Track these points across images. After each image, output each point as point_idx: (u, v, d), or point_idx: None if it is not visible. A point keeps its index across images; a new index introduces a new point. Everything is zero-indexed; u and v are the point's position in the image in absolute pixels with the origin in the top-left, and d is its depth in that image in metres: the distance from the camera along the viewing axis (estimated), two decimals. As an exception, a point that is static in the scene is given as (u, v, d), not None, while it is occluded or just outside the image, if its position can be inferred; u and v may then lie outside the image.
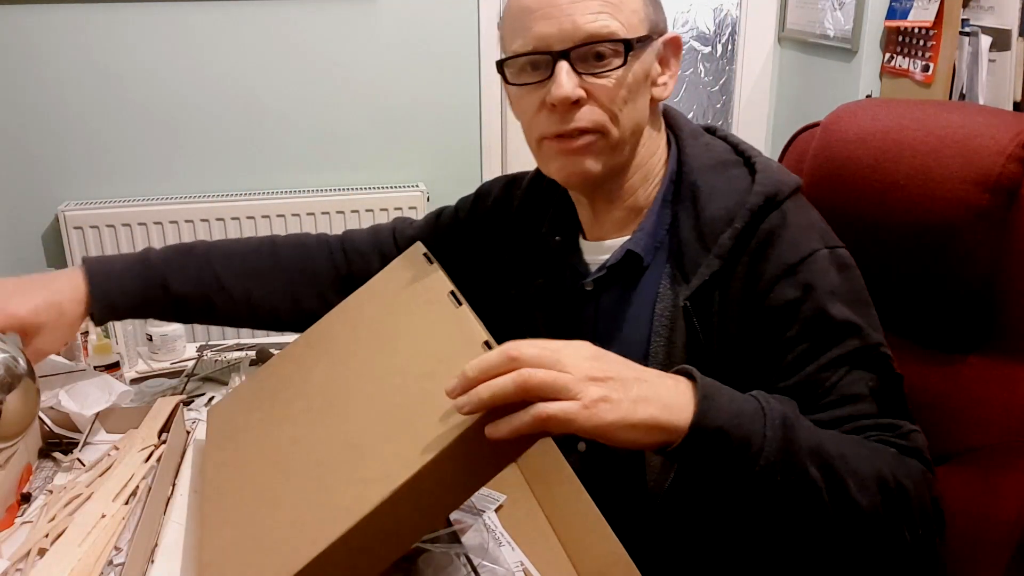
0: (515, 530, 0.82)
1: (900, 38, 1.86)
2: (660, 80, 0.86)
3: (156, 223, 2.06)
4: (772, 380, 0.76)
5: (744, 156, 0.86)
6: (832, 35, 2.03)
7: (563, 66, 0.78)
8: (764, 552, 0.79)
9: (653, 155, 0.88)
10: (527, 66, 0.82)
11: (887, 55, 1.92)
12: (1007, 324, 0.82)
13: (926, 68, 1.77)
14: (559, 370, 0.60)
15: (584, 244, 0.92)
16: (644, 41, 0.82)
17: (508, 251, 0.98)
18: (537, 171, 0.96)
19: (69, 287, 0.93)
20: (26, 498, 0.82)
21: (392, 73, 2.17)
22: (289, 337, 1.29)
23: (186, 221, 2.08)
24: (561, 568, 0.78)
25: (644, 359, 0.82)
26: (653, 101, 0.85)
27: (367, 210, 2.15)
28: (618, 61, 0.79)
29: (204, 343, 1.25)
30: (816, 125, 1.02)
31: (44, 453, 0.91)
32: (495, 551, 0.80)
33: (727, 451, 0.64)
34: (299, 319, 1.02)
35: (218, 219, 2.09)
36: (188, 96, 2.09)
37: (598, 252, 0.90)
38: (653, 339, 0.82)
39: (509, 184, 1.02)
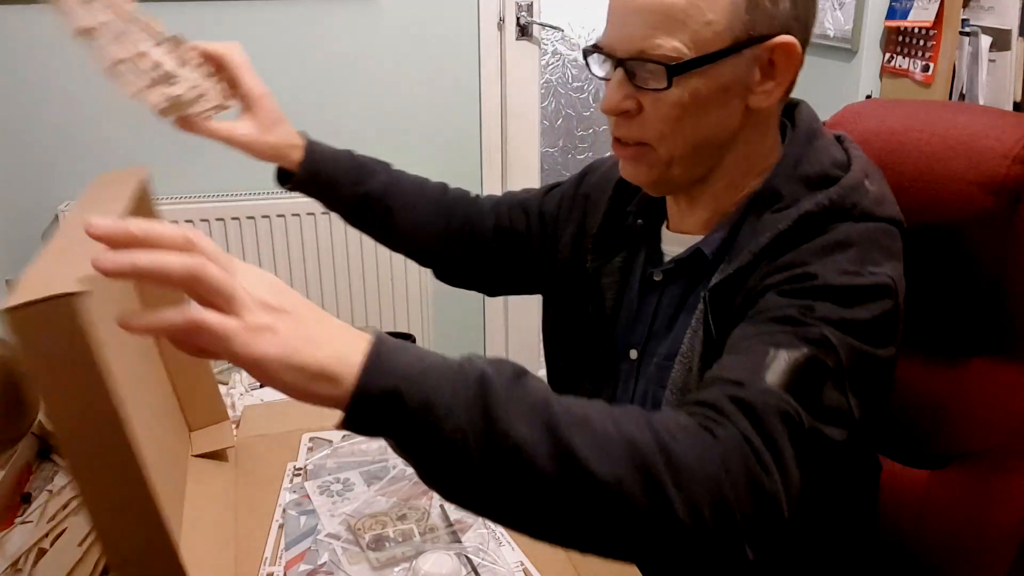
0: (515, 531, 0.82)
1: (900, 38, 1.86)
2: (760, 88, 0.77)
3: (156, 223, 2.06)
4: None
5: (846, 172, 0.78)
6: (832, 35, 2.03)
7: (618, 74, 0.77)
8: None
9: (747, 162, 0.81)
10: (599, 59, 0.82)
11: (887, 55, 1.92)
12: (1012, 327, 0.82)
13: (926, 68, 1.77)
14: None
15: (665, 233, 0.90)
16: (719, 55, 0.74)
17: (596, 225, 0.96)
18: None
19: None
20: (26, 498, 0.82)
21: (392, 73, 2.17)
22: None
23: (186, 221, 2.08)
24: (561, 568, 0.78)
25: (678, 355, 0.81)
26: (749, 110, 0.78)
27: (367, 210, 2.14)
28: (661, 83, 0.74)
29: (204, 343, 1.25)
30: (820, 125, 1.02)
31: (44, 453, 0.91)
32: (495, 551, 0.80)
33: (402, 413, 0.50)
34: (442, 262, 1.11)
35: (218, 219, 2.09)
36: (188, 96, 2.09)
37: (676, 244, 0.88)
38: (687, 333, 0.80)
39: (609, 160, 1.01)
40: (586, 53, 0.84)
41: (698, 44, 0.73)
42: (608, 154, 1.00)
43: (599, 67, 0.82)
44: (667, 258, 0.88)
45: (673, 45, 0.73)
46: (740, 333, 0.70)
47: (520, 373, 0.55)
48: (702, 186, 0.83)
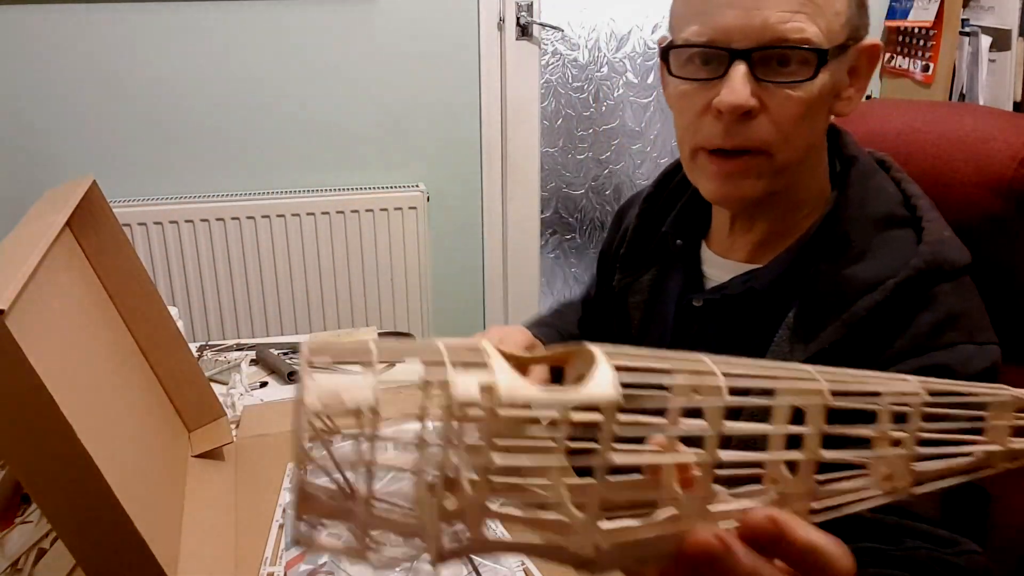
0: (516, 530, 0.82)
1: (900, 38, 1.86)
2: (845, 94, 0.74)
3: (156, 223, 2.06)
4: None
5: (914, 212, 0.74)
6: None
7: (740, 68, 0.67)
8: None
9: (813, 178, 0.77)
10: (696, 57, 0.71)
11: (887, 55, 1.92)
12: (1021, 332, 0.82)
13: (926, 68, 1.77)
14: None
15: (706, 254, 0.83)
16: (841, 50, 0.70)
17: (624, 243, 0.90)
18: (676, 164, 0.88)
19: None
20: (26, 498, 0.82)
21: (392, 73, 2.17)
22: (287, 337, 1.28)
23: (186, 221, 2.07)
24: (562, 569, 0.78)
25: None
26: (829, 117, 0.74)
27: (367, 210, 2.14)
28: (806, 72, 0.67)
29: (204, 343, 1.25)
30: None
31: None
32: (497, 551, 0.80)
33: None
34: None
35: (218, 219, 2.09)
36: (187, 96, 2.09)
37: (720, 268, 0.82)
38: None
39: (642, 193, 0.94)
40: (666, 52, 0.73)
41: (828, 35, 0.68)
42: (636, 192, 0.97)
43: (697, 67, 0.71)
44: (709, 283, 0.82)
45: (815, 30, 0.67)
46: None
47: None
48: (771, 202, 0.76)
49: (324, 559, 0.78)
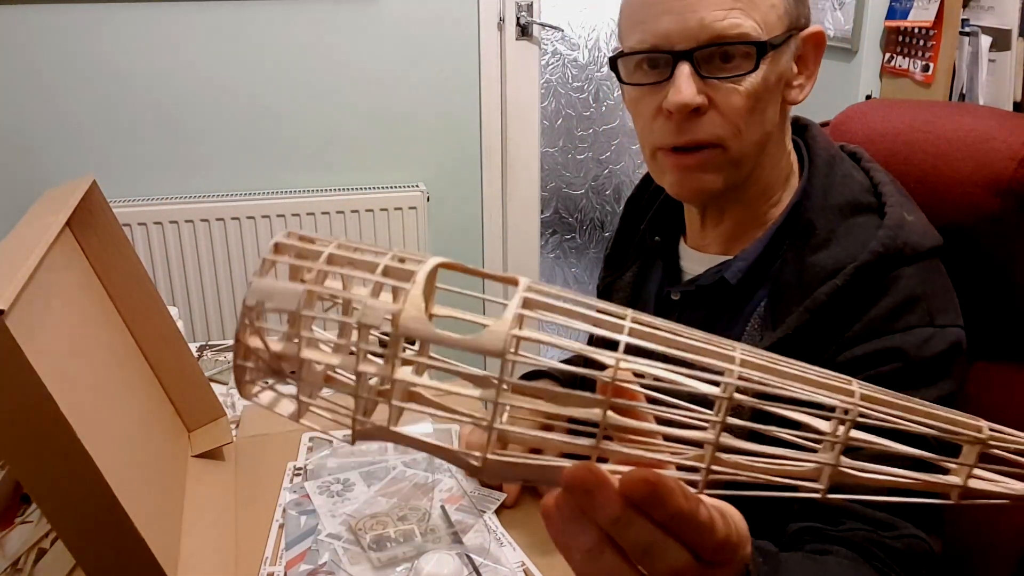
0: (516, 530, 0.82)
1: (900, 38, 1.86)
2: (795, 82, 0.76)
3: (156, 223, 2.06)
4: None
5: (880, 199, 0.76)
6: (832, 35, 2.03)
7: (684, 69, 0.70)
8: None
9: (775, 169, 0.79)
10: (644, 64, 0.74)
11: (887, 55, 1.92)
12: (1020, 330, 0.82)
13: (926, 68, 1.77)
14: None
15: (683, 249, 0.86)
16: (781, 41, 0.72)
17: (611, 242, 0.94)
18: None
19: None
20: (26, 498, 0.82)
21: (392, 73, 2.17)
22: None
23: (186, 221, 2.07)
24: (562, 569, 0.78)
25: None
26: (784, 106, 0.77)
27: (367, 210, 2.14)
28: (748, 65, 0.70)
29: (204, 343, 1.25)
30: (825, 125, 1.01)
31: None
32: (496, 551, 0.80)
33: None
34: None
35: (218, 219, 2.09)
36: (187, 96, 2.09)
37: (696, 262, 0.84)
38: None
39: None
40: (615, 60, 0.76)
41: (765, 28, 0.70)
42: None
43: (645, 72, 0.74)
44: (686, 275, 0.85)
45: (751, 24, 0.69)
46: None
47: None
48: (735, 194, 0.78)
49: (325, 559, 0.78)
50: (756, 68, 0.70)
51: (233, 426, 1.02)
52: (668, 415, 0.35)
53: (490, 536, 0.82)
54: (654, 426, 0.36)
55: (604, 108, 2.45)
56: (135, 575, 0.61)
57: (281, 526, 0.84)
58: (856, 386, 0.35)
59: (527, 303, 0.36)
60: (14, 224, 0.73)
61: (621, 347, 0.35)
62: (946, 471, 0.37)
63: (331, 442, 1.00)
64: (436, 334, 0.34)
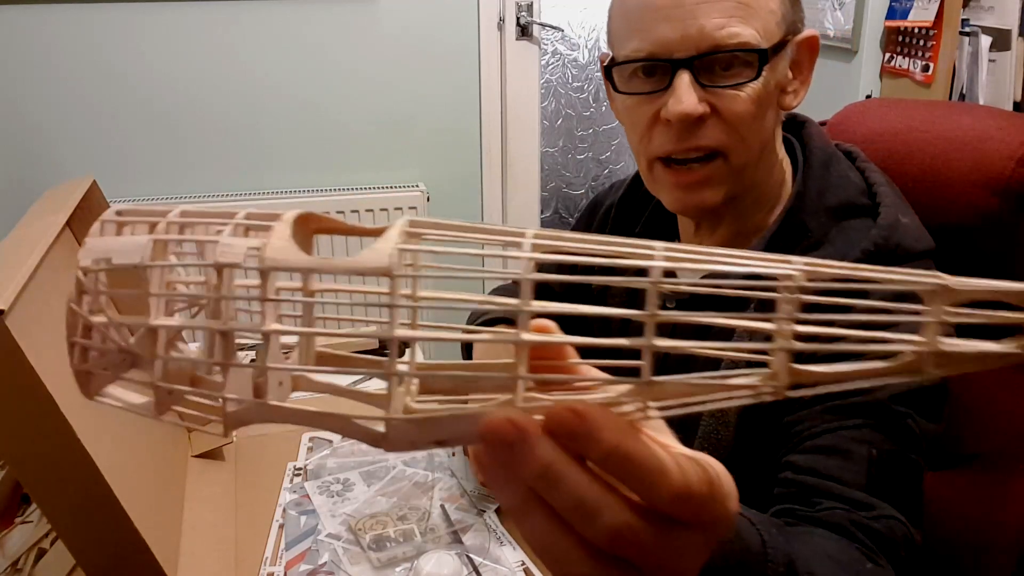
0: (516, 530, 0.82)
1: (900, 38, 1.86)
2: (790, 88, 0.75)
3: (156, 223, 2.06)
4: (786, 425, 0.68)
5: (875, 200, 0.75)
6: (832, 35, 2.03)
7: (684, 77, 0.68)
8: None
9: (770, 175, 0.78)
10: (640, 72, 0.72)
11: (887, 55, 1.92)
12: (1016, 330, 0.82)
13: (926, 68, 1.77)
14: None
15: None
16: (779, 48, 0.71)
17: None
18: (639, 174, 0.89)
19: None
20: (26, 498, 0.82)
21: (392, 73, 2.17)
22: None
23: (186, 221, 2.07)
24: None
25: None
26: (778, 112, 0.75)
27: (367, 210, 2.14)
28: (749, 73, 0.69)
29: (204, 343, 1.25)
30: (823, 124, 1.01)
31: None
32: (496, 551, 0.80)
33: None
34: None
35: (218, 219, 2.09)
36: (187, 96, 2.09)
37: (689, 271, 0.83)
38: None
39: (615, 186, 0.95)
40: (609, 69, 0.74)
41: (765, 35, 0.70)
42: (609, 186, 0.96)
43: (642, 80, 0.73)
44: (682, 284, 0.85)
45: (751, 32, 0.69)
46: (823, 425, 0.66)
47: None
48: (732, 204, 0.77)
49: (325, 559, 0.79)
50: (758, 75, 0.69)
51: (233, 426, 1.02)
52: (596, 356, 0.31)
53: (490, 535, 0.82)
54: (582, 362, 0.32)
55: (604, 108, 2.45)
56: (135, 575, 0.61)
57: (281, 526, 0.84)
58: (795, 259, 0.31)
59: (413, 224, 0.32)
60: (14, 224, 0.73)
61: (525, 289, 0.30)
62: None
63: (331, 442, 1.00)
64: (310, 261, 0.30)
